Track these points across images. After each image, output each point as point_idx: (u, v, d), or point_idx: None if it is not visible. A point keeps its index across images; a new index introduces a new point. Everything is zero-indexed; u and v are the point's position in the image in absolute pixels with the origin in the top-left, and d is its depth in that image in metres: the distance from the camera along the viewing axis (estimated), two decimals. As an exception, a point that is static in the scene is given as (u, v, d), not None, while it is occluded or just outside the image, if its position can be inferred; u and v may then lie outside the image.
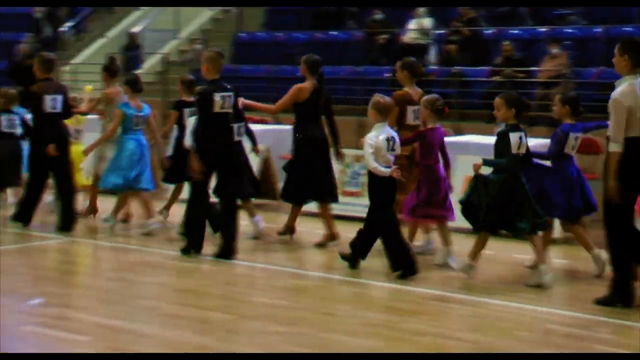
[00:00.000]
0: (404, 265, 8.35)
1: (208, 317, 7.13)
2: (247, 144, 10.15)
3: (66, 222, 10.46)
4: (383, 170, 8.26)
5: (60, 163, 10.43)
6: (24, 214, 10.62)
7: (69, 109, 10.68)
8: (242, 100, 9.73)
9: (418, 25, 16.54)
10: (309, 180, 9.67)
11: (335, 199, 9.98)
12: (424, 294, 7.93)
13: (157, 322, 6.95)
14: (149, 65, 19.44)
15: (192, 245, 9.25)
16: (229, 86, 9.27)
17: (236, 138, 9.50)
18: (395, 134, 8.50)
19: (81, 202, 11.21)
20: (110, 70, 11.12)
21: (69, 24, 21.31)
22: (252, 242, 10.01)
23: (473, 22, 16.16)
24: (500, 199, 8.05)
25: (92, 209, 11.11)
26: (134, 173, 10.37)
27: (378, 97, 8.48)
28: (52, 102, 10.37)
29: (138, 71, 18.49)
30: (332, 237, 9.77)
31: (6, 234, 10.44)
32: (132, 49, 19.14)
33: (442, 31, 16.61)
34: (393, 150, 8.39)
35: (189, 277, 8.64)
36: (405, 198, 8.97)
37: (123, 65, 19.01)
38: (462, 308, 7.61)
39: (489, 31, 16.23)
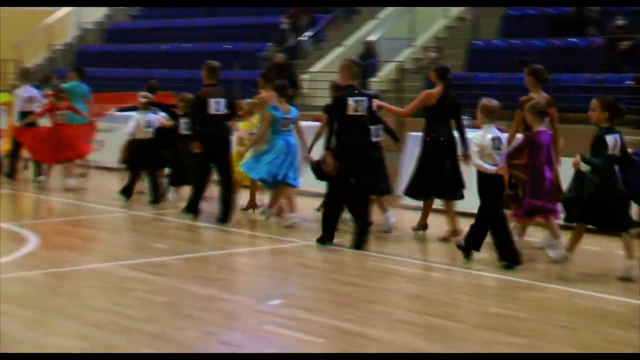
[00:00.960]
0: (509, 255, 8.98)
1: (439, 325, 7.17)
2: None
3: (225, 214, 11.38)
4: (488, 168, 9.00)
5: (222, 160, 11.48)
6: (193, 207, 11.64)
7: (234, 111, 11.67)
8: (376, 102, 10.66)
9: (664, 31, 15.79)
10: (434, 178, 10.37)
11: (460, 197, 10.52)
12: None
13: (388, 327, 7.06)
14: (384, 73, 19.71)
15: (326, 236, 10.08)
16: (364, 92, 10.37)
17: (373, 139, 10.47)
18: (501, 135, 9.19)
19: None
20: (266, 77, 12.10)
21: (308, 33, 21.99)
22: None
23: None
24: (596, 198, 8.56)
25: (251, 204, 12.15)
26: (281, 170, 11.13)
27: (485, 101, 9.22)
28: (215, 105, 11.40)
29: (374, 79, 18.89)
30: (454, 233, 10.43)
31: (242, 235, 10.95)
32: (369, 57, 19.45)
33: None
34: (499, 149, 9.09)
35: (418, 284, 8.73)
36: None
37: (360, 73, 19.40)
38: None
39: None
